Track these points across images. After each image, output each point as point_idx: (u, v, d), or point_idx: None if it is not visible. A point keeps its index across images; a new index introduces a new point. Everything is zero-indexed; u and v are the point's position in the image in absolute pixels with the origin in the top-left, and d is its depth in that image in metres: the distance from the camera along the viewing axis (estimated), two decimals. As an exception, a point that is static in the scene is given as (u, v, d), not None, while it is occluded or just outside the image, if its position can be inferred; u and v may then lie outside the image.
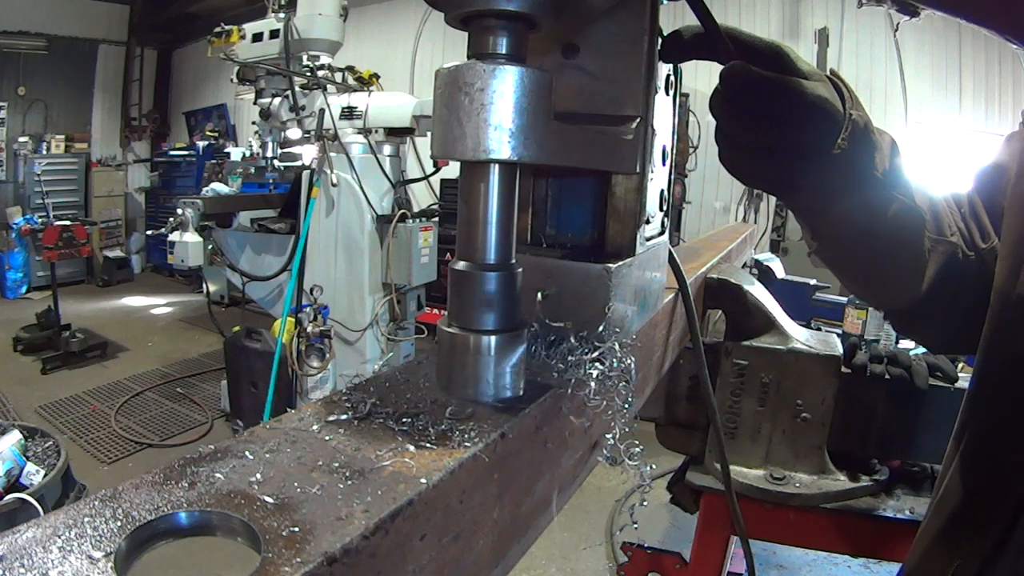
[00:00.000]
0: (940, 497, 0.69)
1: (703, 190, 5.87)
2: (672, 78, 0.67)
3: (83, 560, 0.27)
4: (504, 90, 0.40)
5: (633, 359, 0.52)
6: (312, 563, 0.27)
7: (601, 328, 0.52)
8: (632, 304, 0.60)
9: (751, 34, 0.60)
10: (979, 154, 4.62)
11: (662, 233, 0.71)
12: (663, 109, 0.64)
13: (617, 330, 0.54)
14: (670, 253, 0.76)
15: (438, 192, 6.22)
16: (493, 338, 0.44)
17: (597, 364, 0.50)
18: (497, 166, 0.43)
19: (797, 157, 0.61)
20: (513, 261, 0.45)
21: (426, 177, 3.91)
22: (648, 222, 0.63)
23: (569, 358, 0.50)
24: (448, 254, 5.47)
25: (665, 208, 0.70)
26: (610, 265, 0.54)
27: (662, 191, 0.67)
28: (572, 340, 0.51)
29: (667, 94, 0.65)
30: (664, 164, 0.67)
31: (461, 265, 0.44)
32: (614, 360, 0.50)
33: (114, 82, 9.36)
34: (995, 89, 4.66)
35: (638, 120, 0.56)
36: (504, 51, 0.42)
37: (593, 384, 0.48)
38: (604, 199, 0.60)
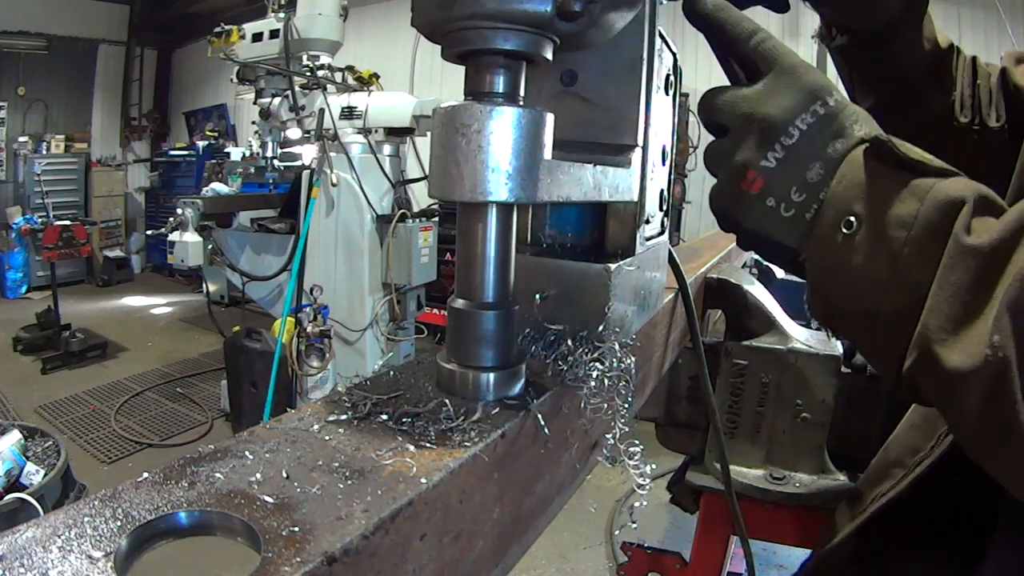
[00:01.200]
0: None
1: (703, 190, 5.86)
2: (672, 78, 0.66)
3: (83, 560, 0.27)
4: (501, 132, 0.39)
5: (633, 359, 0.51)
6: (312, 563, 0.27)
7: (601, 328, 0.52)
8: (632, 304, 0.60)
9: None
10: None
11: (662, 233, 0.71)
12: (663, 109, 0.63)
13: (617, 330, 0.54)
14: (670, 253, 0.76)
15: (438, 192, 6.22)
16: (492, 375, 0.44)
17: (597, 364, 0.49)
18: (495, 207, 0.43)
19: None
20: (510, 299, 0.46)
21: (426, 177, 3.91)
22: (648, 222, 0.63)
23: (569, 358, 0.50)
24: (448, 254, 5.47)
25: (665, 208, 0.70)
26: (610, 265, 0.54)
27: (662, 191, 0.67)
28: (571, 341, 0.51)
29: (667, 94, 0.65)
30: (664, 164, 0.67)
31: (460, 303, 0.45)
32: (614, 360, 0.50)
33: (114, 82, 9.36)
34: (995, 89, 4.65)
35: (636, 149, 0.57)
36: (501, 90, 0.42)
37: (593, 384, 0.48)
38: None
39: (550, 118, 0.42)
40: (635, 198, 0.58)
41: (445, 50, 0.43)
